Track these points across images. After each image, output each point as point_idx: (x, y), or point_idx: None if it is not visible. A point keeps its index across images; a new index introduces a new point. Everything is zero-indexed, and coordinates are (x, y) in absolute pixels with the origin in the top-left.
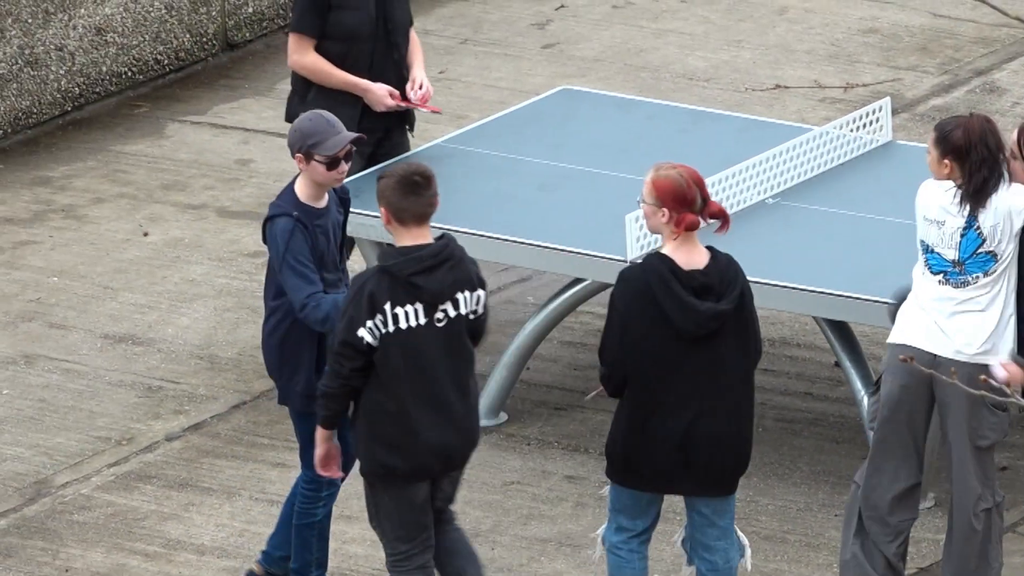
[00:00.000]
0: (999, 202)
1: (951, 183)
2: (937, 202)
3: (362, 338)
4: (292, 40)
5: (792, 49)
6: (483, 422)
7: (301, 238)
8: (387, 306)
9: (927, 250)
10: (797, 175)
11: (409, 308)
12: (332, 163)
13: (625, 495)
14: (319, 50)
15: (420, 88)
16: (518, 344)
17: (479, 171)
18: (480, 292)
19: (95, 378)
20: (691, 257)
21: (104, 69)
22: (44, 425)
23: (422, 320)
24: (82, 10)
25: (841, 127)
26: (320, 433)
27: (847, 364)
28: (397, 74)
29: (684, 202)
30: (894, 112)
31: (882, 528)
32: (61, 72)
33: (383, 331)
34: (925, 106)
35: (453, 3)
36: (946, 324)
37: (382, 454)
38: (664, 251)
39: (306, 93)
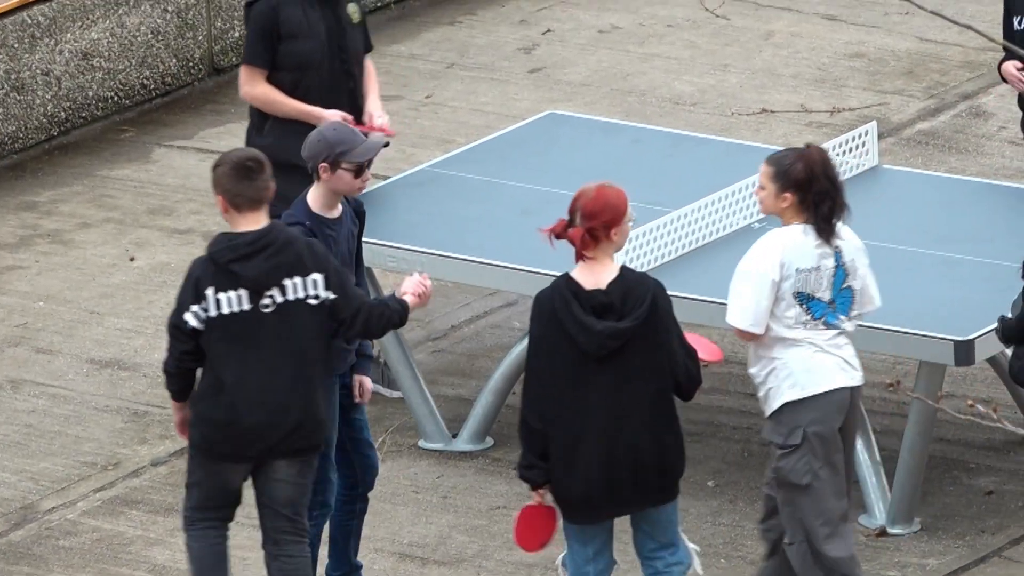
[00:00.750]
0: (846, 235)
1: (803, 226)
2: (807, 250)
3: (187, 322)
4: (243, 72)
5: (778, 73)
6: (469, 447)
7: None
8: (210, 291)
9: (806, 300)
10: None
11: (232, 294)
12: (359, 170)
13: (570, 529)
14: (273, 80)
15: (375, 119)
16: (504, 369)
17: (465, 195)
18: (316, 276)
19: (81, 403)
20: (598, 276)
21: (90, 94)
22: (30, 450)
23: (246, 306)
24: (68, 35)
25: (827, 151)
26: (172, 404)
27: None
28: (352, 103)
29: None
30: (880, 136)
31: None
32: (47, 97)
33: (207, 315)
34: (912, 130)
35: (440, 27)
36: (850, 357)
37: (206, 431)
38: (573, 271)
39: (263, 124)
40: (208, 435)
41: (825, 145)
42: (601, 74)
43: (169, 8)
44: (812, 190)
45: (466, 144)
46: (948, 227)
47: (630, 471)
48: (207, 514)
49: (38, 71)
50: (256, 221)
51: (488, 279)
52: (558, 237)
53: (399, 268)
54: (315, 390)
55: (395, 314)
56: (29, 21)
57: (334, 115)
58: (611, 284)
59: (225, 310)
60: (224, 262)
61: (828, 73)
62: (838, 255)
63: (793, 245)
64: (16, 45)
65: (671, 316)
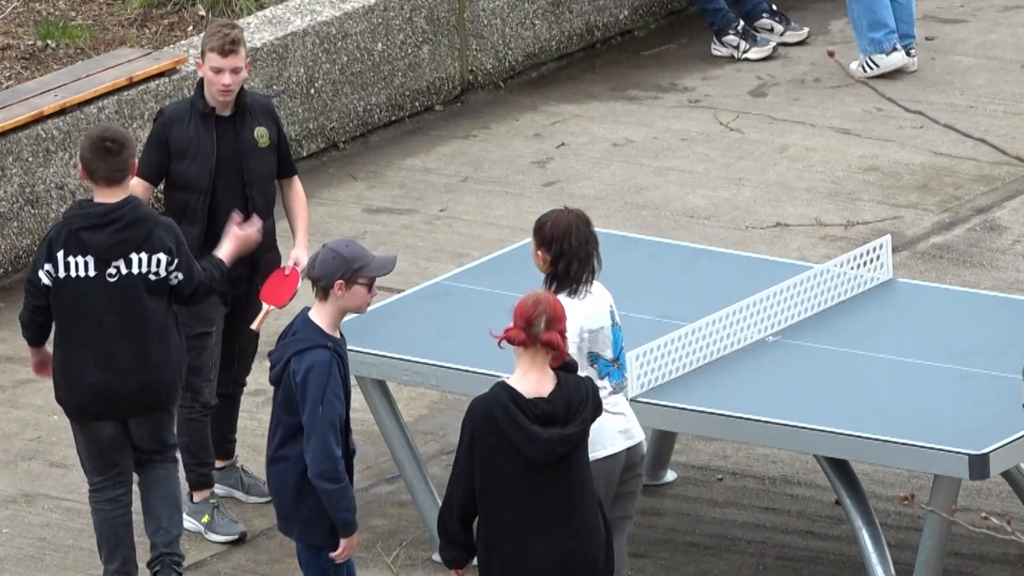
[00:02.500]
0: (604, 294)
1: (585, 292)
2: (592, 310)
3: (40, 279)
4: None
5: (792, 187)
6: None
7: (338, 373)
8: (60, 254)
9: (596, 359)
10: (797, 313)
11: (80, 259)
12: (371, 284)
13: None
14: (170, 199)
15: (295, 265)
16: None
17: (479, 309)
18: (161, 256)
19: None
20: (536, 385)
21: None
22: (44, 564)
23: (91, 272)
24: None
25: (842, 265)
26: (29, 349)
27: (848, 502)
28: (216, 236)
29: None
30: (895, 250)
31: None
32: (61, 210)
33: (55, 275)
34: (926, 244)
35: (454, 141)
36: (629, 416)
37: (60, 391)
38: (510, 379)
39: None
40: (62, 396)
41: (840, 259)
42: (615, 187)
43: None
44: (558, 248)
45: (480, 257)
46: (963, 341)
47: (585, 572)
48: (96, 477)
49: (52, 184)
50: (112, 195)
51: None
52: (519, 343)
53: (413, 382)
54: (151, 353)
55: (215, 283)
56: (43, 135)
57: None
58: (552, 392)
59: (72, 273)
60: (75, 228)
61: (842, 186)
62: (612, 313)
63: (583, 306)
64: (31, 159)
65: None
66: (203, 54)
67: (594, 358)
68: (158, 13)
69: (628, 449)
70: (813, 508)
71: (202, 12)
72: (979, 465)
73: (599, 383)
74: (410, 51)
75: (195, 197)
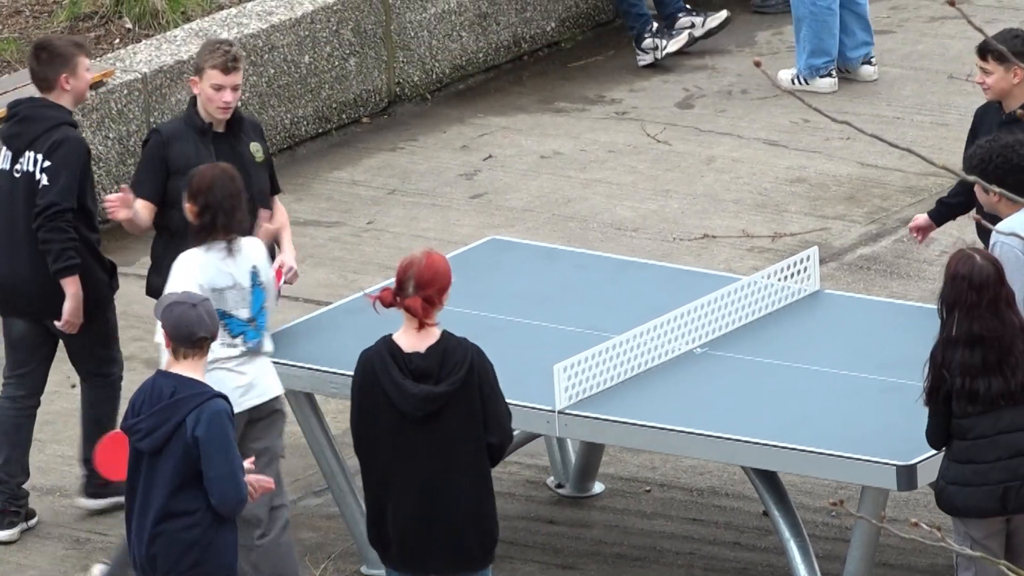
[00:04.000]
0: (253, 251)
1: (207, 244)
2: (217, 268)
3: None
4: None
5: (719, 198)
6: None
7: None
8: None
9: (225, 317)
10: (725, 324)
11: (5, 151)
12: None
13: None
14: (166, 218)
15: (288, 272)
16: None
17: None
18: (40, 158)
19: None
20: (417, 340)
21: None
22: None
23: (6, 165)
24: None
25: (769, 276)
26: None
27: (775, 513)
28: None
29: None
30: (822, 261)
31: None
32: None
33: None
34: (853, 255)
35: (381, 153)
36: (261, 375)
37: None
38: (396, 334)
39: (159, 267)
40: None
41: (767, 271)
42: (542, 199)
43: (110, 136)
44: (207, 202)
45: None
46: (890, 352)
47: (447, 533)
48: (5, 373)
49: None
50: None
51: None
52: (388, 306)
53: (342, 394)
54: (23, 259)
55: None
56: None
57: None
58: (430, 348)
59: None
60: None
61: (769, 198)
62: (255, 274)
63: (204, 264)
64: None
65: (491, 382)
66: (199, 71)
67: (223, 315)
68: (84, 26)
69: (252, 408)
70: (741, 519)
71: (128, 25)
72: (907, 476)
73: (231, 342)
74: (337, 64)
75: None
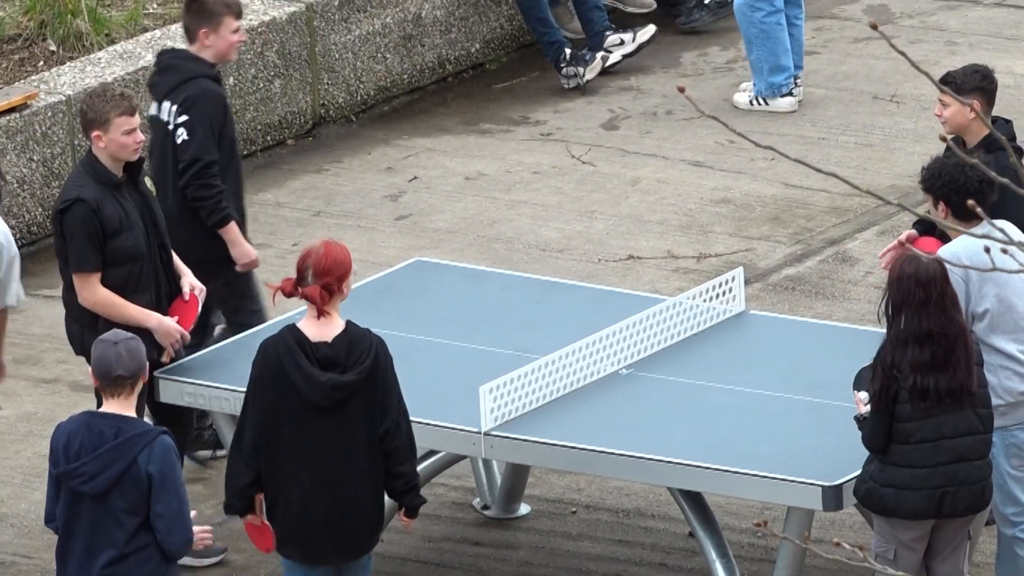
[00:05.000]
0: None
1: None
2: None
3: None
4: (77, 280)
5: (645, 220)
6: None
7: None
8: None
9: None
10: (651, 345)
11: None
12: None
13: (289, 566)
14: (111, 277)
15: (200, 293)
16: None
17: None
18: (175, 110)
19: None
20: (324, 329)
21: None
22: None
23: (154, 112)
24: None
25: (694, 297)
26: None
27: (701, 534)
28: (168, 275)
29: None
30: (747, 282)
31: None
32: None
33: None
34: (778, 276)
35: (306, 175)
36: None
37: None
38: (300, 322)
39: (95, 323)
40: None
41: (692, 292)
42: (468, 221)
43: (35, 158)
44: None
45: None
46: (815, 373)
47: (344, 520)
48: None
49: None
50: None
51: None
52: (288, 295)
53: None
54: (173, 204)
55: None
56: None
57: (170, 325)
58: (336, 338)
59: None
60: None
61: (695, 219)
62: None
63: None
64: None
65: (391, 373)
66: (103, 124)
67: None
68: (8, 48)
69: None
70: (667, 540)
71: (52, 47)
72: (832, 496)
73: None
74: (262, 86)
75: (139, 265)
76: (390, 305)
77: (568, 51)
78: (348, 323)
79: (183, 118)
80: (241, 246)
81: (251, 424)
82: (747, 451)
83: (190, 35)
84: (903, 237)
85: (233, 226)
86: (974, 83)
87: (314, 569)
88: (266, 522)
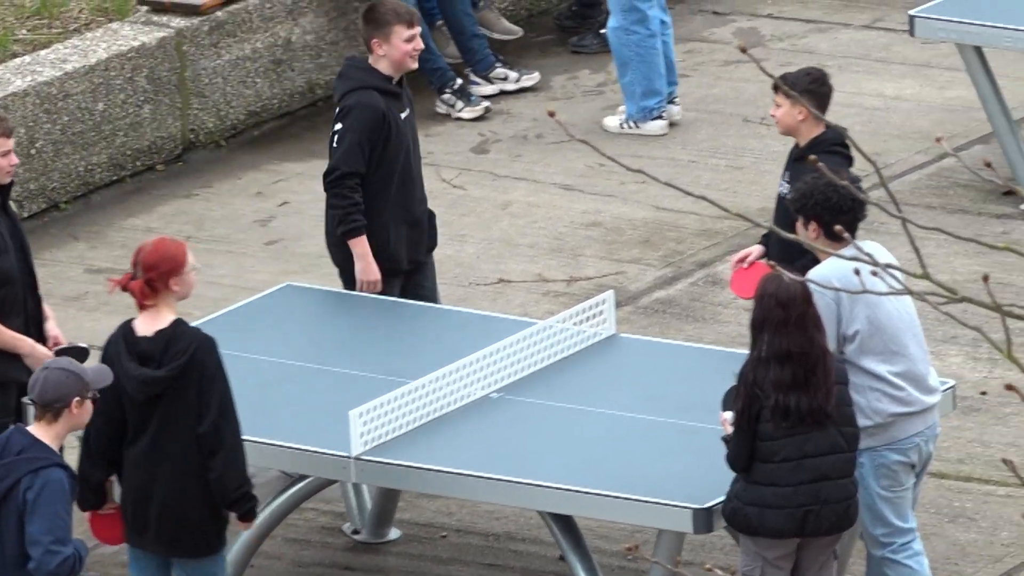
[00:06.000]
0: None
1: None
2: None
3: None
4: None
5: (515, 243)
6: None
7: (71, 495)
8: None
9: None
10: (521, 369)
11: None
12: (94, 398)
13: (133, 555)
14: None
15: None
16: (242, 541)
17: None
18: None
19: None
20: (150, 324)
21: None
22: None
23: None
24: None
25: (565, 321)
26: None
27: (572, 557)
28: (35, 302)
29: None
30: (618, 305)
31: None
32: None
33: None
34: (649, 299)
35: (176, 200)
36: None
37: None
38: (136, 319)
39: None
40: None
41: (562, 315)
42: None
43: None
44: None
45: (202, 317)
46: (686, 395)
47: (169, 517)
48: None
49: None
50: None
51: None
52: (124, 290)
53: None
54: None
55: None
56: None
57: (43, 353)
58: (158, 333)
59: None
60: None
61: (565, 242)
62: None
63: None
64: None
65: (212, 375)
66: None
67: None
68: None
69: None
70: (538, 564)
71: None
72: (703, 519)
73: None
74: (131, 111)
75: (12, 289)
76: (260, 330)
77: (459, 82)
78: (176, 320)
79: (337, 126)
80: (365, 262)
81: (99, 414)
82: (618, 474)
83: (366, 44)
84: (744, 254)
85: (362, 240)
86: (803, 85)
87: (150, 560)
88: (118, 511)
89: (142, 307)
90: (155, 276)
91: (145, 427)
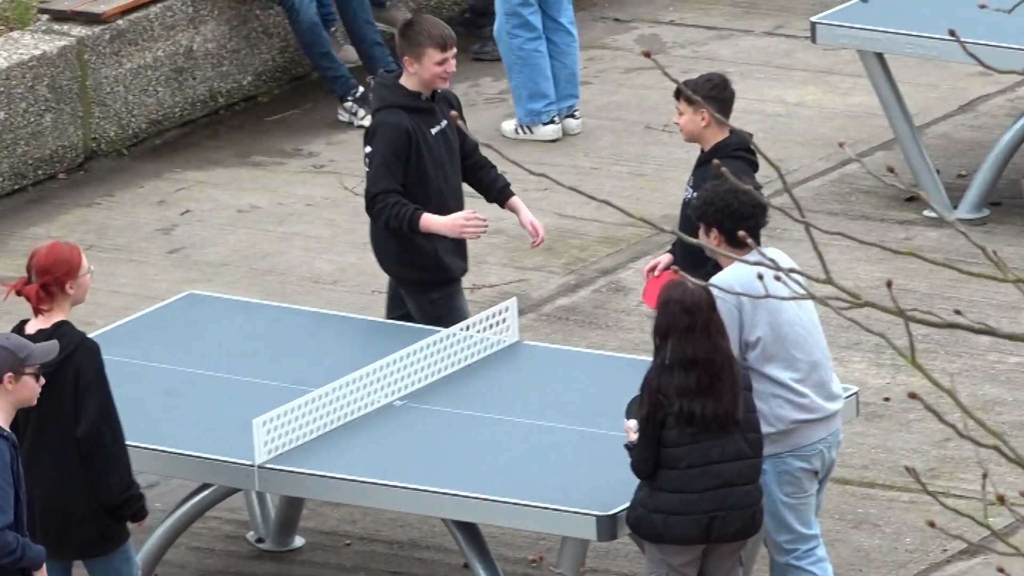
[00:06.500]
0: None
1: None
2: None
3: None
4: None
5: None
6: None
7: (11, 465)
8: None
9: None
10: (425, 376)
11: None
12: (39, 374)
13: None
14: None
15: None
16: (147, 550)
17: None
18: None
19: None
20: (39, 323)
21: None
22: None
23: None
24: None
25: (468, 328)
26: None
27: (476, 565)
28: None
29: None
30: (521, 312)
31: None
32: None
33: None
34: (552, 306)
35: (78, 209)
36: None
37: None
38: (32, 319)
39: None
40: None
41: (466, 322)
42: (240, 253)
43: None
44: None
45: (105, 326)
46: (589, 403)
47: (42, 516)
48: None
49: None
50: None
51: (135, 462)
52: (18, 294)
53: None
54: None
55: None
56: None
57: None
58: (39, 332)
59: None
60: None
61: (468, 249)
62: None
63: None
64: None
65: (90, 380)
66: None
67: None
68: None
69: None
70: (442, 572)
71: None
72: (607, 526)
73: None
74: (32, 120)
75: None
76: (163, 339)
77: (361, 89)
78: (61, 322)
79: (367, 148)
80: (444, 223)
81: None
82: (521, 481)
83: (399, 60)
84: (653, 263)
85: (425, 217)
86: (705, 91)
87: (50, 559)
88: None
89: (37, 311)
90: (50, 280)
91: (26, 428)
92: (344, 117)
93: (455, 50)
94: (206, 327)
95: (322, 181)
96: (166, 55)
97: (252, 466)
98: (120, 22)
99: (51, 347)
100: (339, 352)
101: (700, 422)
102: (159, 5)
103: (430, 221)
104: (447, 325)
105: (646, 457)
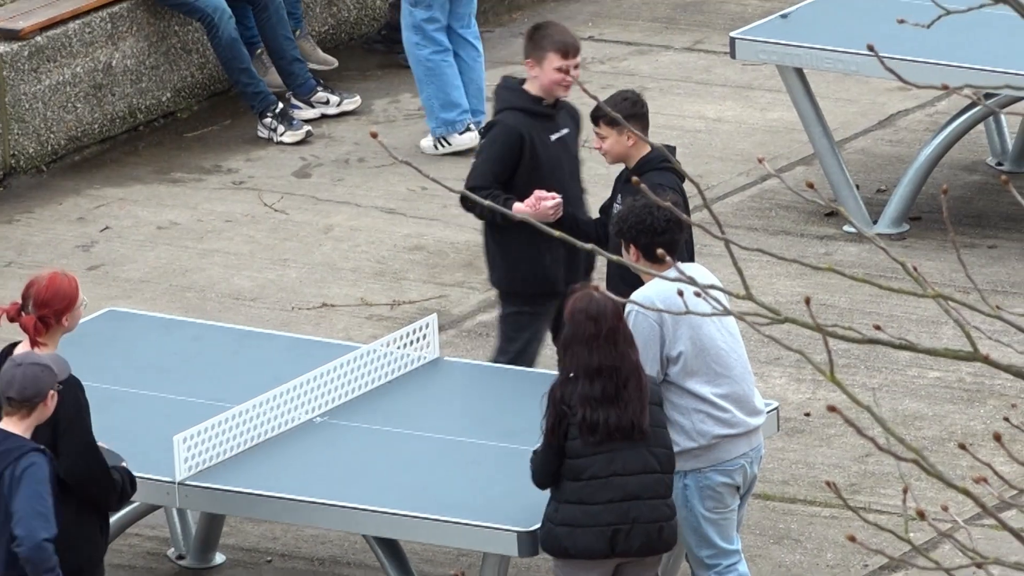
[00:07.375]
0: None
1: None
2: None
3: None
4: None
5: (338, 267)
6: None
7: (54, 476)
8: None
9: None
10: (345, 393)
11: None
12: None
13: None
14: None
15: None
16: None
17: None
18: None
19: None
20: (24, 347)
21: None
22: None
23: None
24: None
25: (388, 344)
26: None
27: None
28: None
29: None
30: (441, 328)
31: None
32: None
33: None
34: (472, 322)
35: None
36: None
37: None
38: (20, 344)
39: None
40: None
41: (386, 339)
42: (160, 270)
43: None
44: None
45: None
46: (510, 419)
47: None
48: None
49: None
50: None
51: None
52: (11, 320)
53: None
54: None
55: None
56: None
57: None
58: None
59: None
60: None
61: (388, 266)
62: None
63: None
64: None
65: (70, 416)
66: None
67: None
68: None
69: None
70: None
71: None
72: (528, 542)
73: None
74: None
75: None
76: (83, 355)
77: (280, 106)
78: (40, 349)
79: (481, 141)
80: (528, 211)
81: None
82: (442, 497)
83: (523, 62)
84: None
85: (515, 206)
86: (627, 110)
87: None
88: None
89: (34, 343)
90: (49, 313)
91: None
92: (263, 133)
93: (579, 60)
94: (126, 344)
95: (241, 197)
96: (85, 71)
97: (173, 483)
98: (39, 38)
99: (63, 363)
100: (259, 369)
101: (603, 431)
102: (78, 21)
103: (518, 207)
104: (528, 341)
105: (546, 466)
